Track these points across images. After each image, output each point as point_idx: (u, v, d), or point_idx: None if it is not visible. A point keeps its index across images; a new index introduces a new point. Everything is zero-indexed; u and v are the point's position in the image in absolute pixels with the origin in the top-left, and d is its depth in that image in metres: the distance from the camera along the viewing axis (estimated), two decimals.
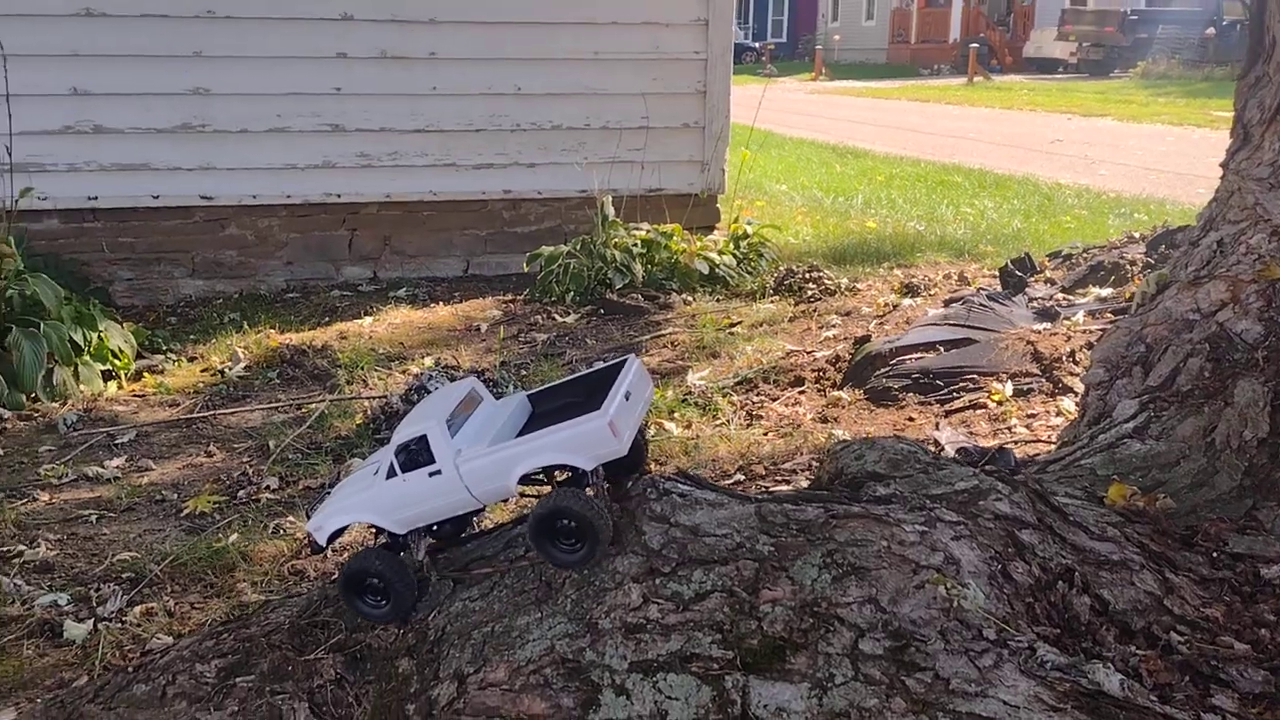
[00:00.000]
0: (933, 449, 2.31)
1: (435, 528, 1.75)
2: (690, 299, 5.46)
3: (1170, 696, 1.44)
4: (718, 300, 5.42)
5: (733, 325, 4.84)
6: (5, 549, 3.02)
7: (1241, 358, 2.19)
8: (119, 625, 2.57)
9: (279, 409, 4.38)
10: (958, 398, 3.40)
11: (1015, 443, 3.01)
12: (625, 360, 1.71)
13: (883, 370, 3.62)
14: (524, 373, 4.51)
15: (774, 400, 3.69)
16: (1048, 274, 4.71)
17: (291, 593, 2.14)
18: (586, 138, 6.36)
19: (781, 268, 5.74)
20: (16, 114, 5.31)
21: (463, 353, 4.95)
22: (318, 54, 6.06)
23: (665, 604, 1.54)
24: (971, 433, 3.17)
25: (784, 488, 2.88)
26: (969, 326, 3.78)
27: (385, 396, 4.27)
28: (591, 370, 1.78)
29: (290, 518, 3.24)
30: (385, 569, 1.67)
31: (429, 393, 4.07)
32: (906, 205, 8.49)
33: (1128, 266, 4.36)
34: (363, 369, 4.77)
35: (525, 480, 1.64)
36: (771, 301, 5.25)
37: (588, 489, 1.61)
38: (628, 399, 1.61)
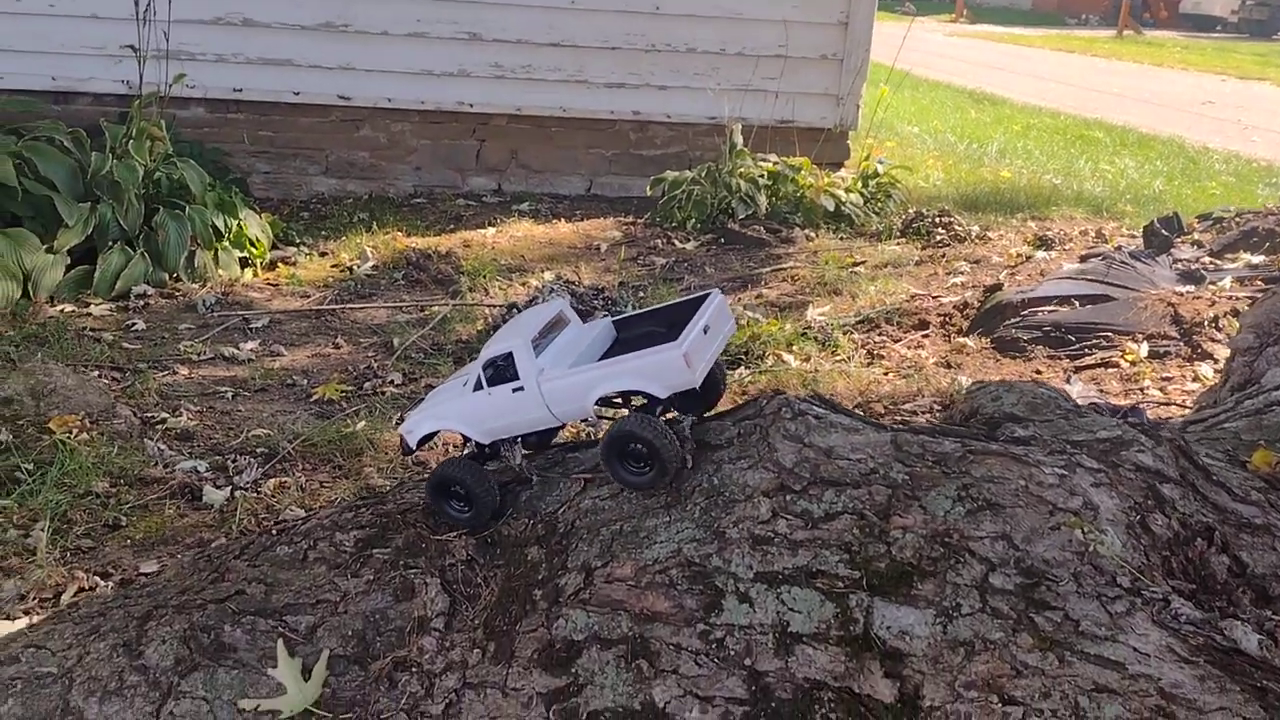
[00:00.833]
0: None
1: (520, 438, 1.79)
2: (813, 235, 5.39)
3: None
4: (841, 238, 5.35)
5: (856, 264, 4.77)
6: (150, 415, 3.19)
7: None
8: (254, 495, 2.70)
9: (403, 309, 4.50)
10: (1089, 354, 3.31)
11: (1147, 404, 2.93)
12: (709, 294, 1.72)
13: (1013, 320, 3.53)
14: (641, 294, 4.54)
15: (896, 342, 3.65)
16: (1195, 236, 4.51)
17: (423, 476, 2.22)
18: (721, 63, 6.27)
19: (910, 210, 5.62)
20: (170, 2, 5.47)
21: (582, 270, 5.00)
22: None
23: (794, 520, 1.55)
24: (1102, 390, 3.09)
25: None
26: (1107, 283, 3.66)
27: (506, 305, 4.35)
28: (676, 301, 1.79)
29: None
30: (468, 478, 1.73)
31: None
32: (1043, 157, 8.20)
33: None
34: (484, 277, 4.85)
35: (604, 403, 1.67)
36: (898, 243, 5.15)
37: (664, 417, 1.63)
38: (705, 332, 1.62)
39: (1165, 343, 3.32)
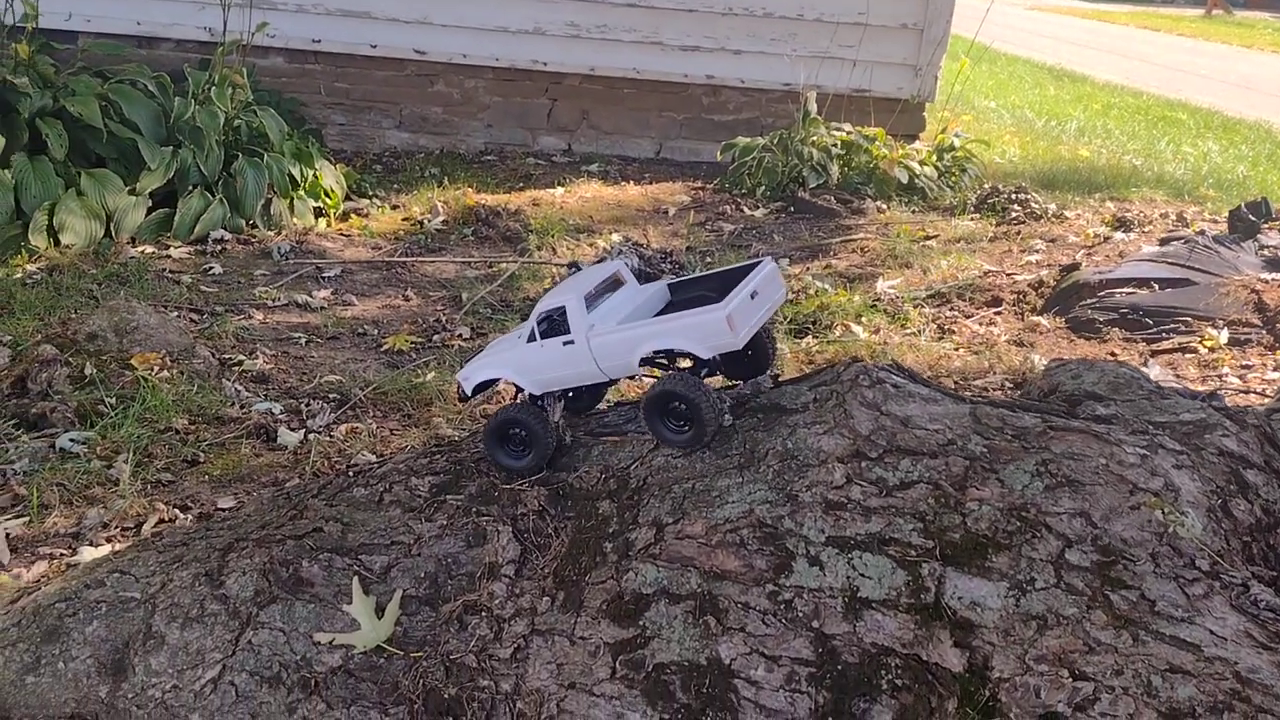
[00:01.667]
0: None
1: (571, 394, 1.84)
2: (885, 207, 5.33)
3: None
4: (914, 211, 5.28)
5: (928, 238, 4.71)
6: (227, 357, 3.27)
7: None
8: (326, 438, 2.76)
9: (471, 264, 4.53)
10: (1167, 338, 3.24)
11: (1226, 391, 2.87)
12: (760, 261, 1.75)
13: (1089, 301, 3.47)
14: (709, 259, 4.53)
15: (967, 318, 3.61)
16: None
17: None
18: (798, 29, 6.19)
19: (985, 186, 5.52)
20: None
21: (650, 233, 4.99)
22: None
23: (868, 487, 1.56)
24: (1178, 376, 3.03)
25: None
26: (1188, 267, 3.57)
27: (569, 264, 4.37)
28: (731, 267, 1.82)
29: None
30: (531, 421, 1.76)
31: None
32: (1123, 137, 8.00)
33: None
34: (552, 236, 4.87)
35: (650, 363, 1.70)
36: (971, 219, 5.07)
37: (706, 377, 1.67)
38: (753, 298, 1.65)
39: (1247, 330, 3.24)
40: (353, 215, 5.07)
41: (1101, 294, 3.51)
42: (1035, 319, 3.54)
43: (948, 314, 3.66)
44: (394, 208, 5.27)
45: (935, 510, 1.51)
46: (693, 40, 6.25)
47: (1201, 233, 4.12)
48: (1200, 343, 3.23)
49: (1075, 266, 3.83)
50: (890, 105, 6.18)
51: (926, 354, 3.26)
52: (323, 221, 4.94)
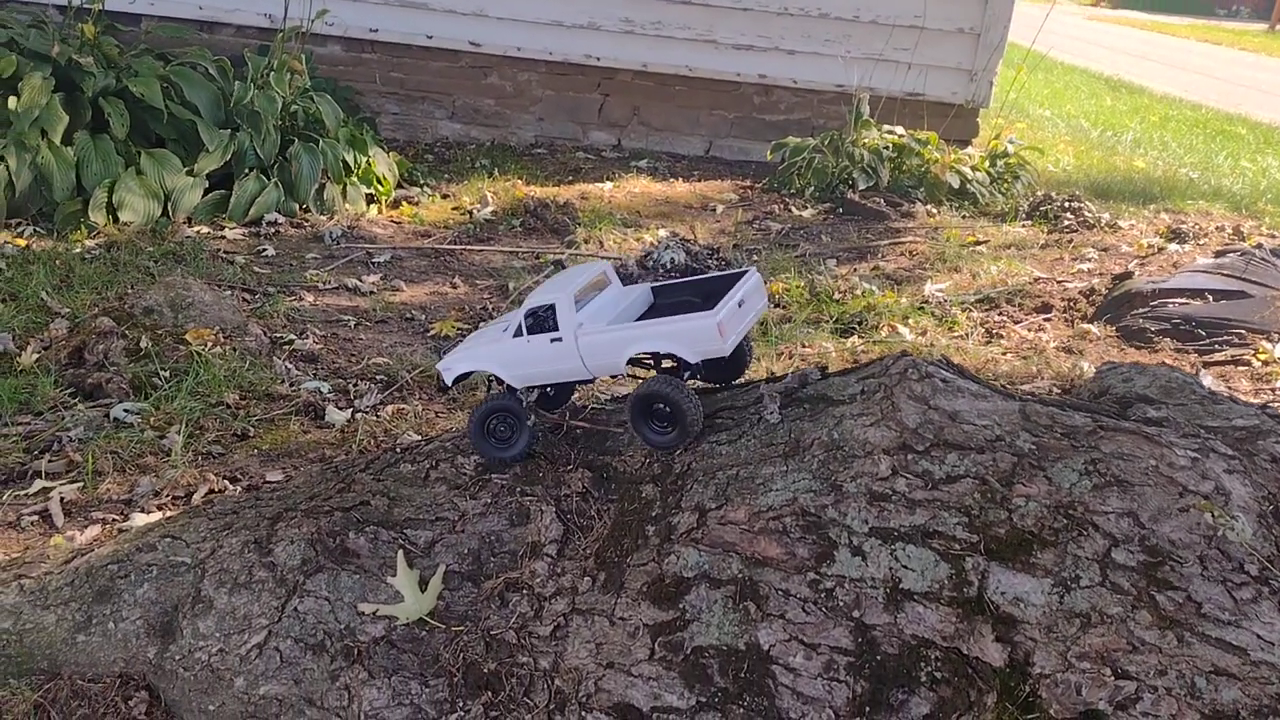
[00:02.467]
0: None
1: (549, 391, 1.88)
2: (935, 211, 5.29)
3: None
4: (964, 216, 5.24)
5: (978, 243, 4.68)
6: (278, 336, 3.32)
7: None
8: (373, 418, 2.80)
9: (519, 255, 4.56)
10: (1220, 350, 3.20)
11: (1278, 405, 2.82)
12: (746, 271, 1.79)
13: (1141, 310, 3.43)
14: (755, 258, 4.52)
15: (1016, 323, 3.58)
16: None
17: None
18: (853, 30, 6.17)
19: (1038, 193, 5.47)
20: None
21: (697, 229, 4.99)
22: None
23: (914, 479, 1.55)
24: (1231, 388, 2.98)
25: None
26: (1244, 279, 3.52)
27: (620, 259, 4.39)
28: (714, 275, 1.85)
29: None
30: (516, 409, 1.80)
31: (666, 258, 4.15)
32: (1180, 150, 7.88)
33: None
34: (600, 229, 4.89)
35: (634, 363, 1.75)
36: (1023, 226, 5.02)
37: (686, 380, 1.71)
38: (740, 306, 1.69)
39: None
40: (404, 203, 5.12)
41: (1154, 303, 3.46)
42: (1085, 327, 3.50)
43: (996, 319, 3.63)
44: (444, 197, 5.32)
45: (981, 505, 1.51)
46: (746, 39, 6.24)
47: (1259, 246, 4.06)
48: (1254, 355, 3.18)
49: (1128, 275, 3.79)
50: (944, 110, 6.14)
51: (974, 357, 3.23)
52: (374, 208, 5.00)
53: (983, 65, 6.11)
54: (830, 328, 3.52)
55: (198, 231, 4.35)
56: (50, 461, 2.46)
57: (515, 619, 1.67)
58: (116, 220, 4.24)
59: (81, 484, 2.37)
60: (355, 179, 4.96)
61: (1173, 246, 4.48)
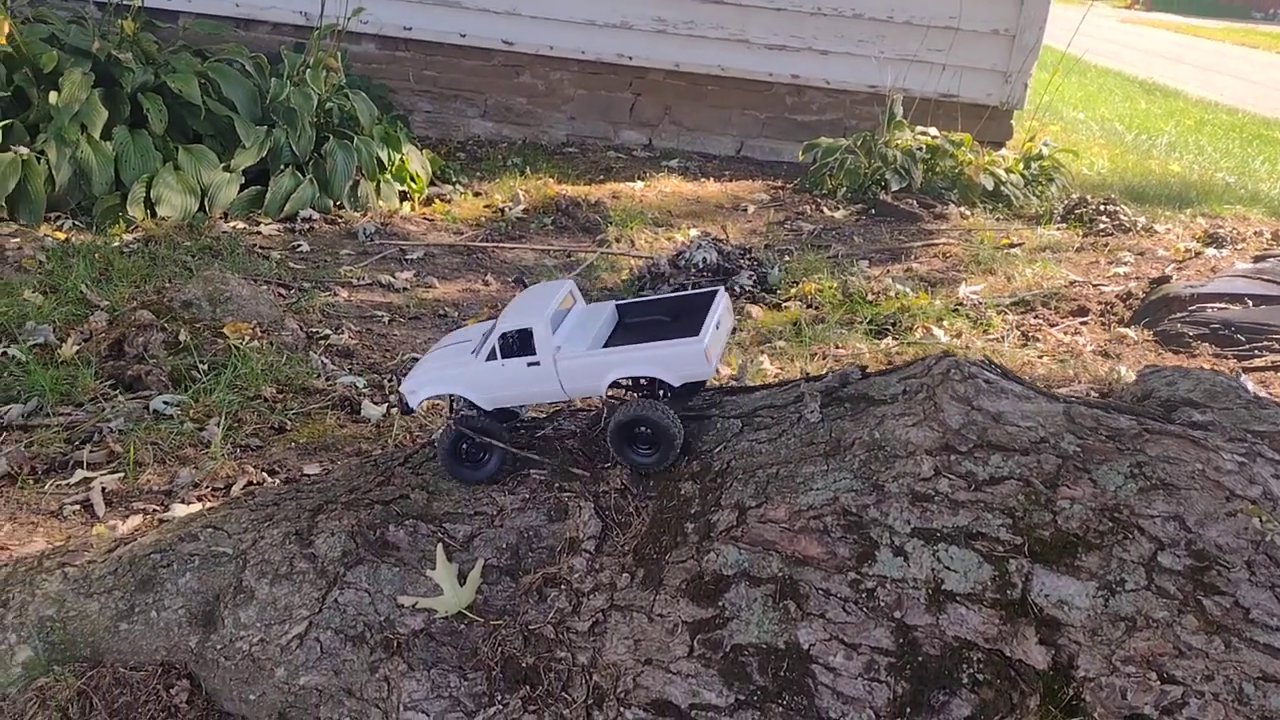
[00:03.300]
0: None
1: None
2: (968, 213, 5.26)
3: None
4: (998, 219, 5.20)
5: (1012, 246, 4.65)
6: (314, 331, 3.34)
7: None
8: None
9: (550, 253, 4.58)
10: (1259, 355, 3.16)
11: None
12: (715, 291, 1.77)
13: (1179, 315, 3.40)
14: (787, 258, 4.52)
15: (1052, 326, 3.55)
16: None
17: (577, 407, 2.28)
18: (887, 31, 6.14)
19: (1073, 196, 5.43)
20: None
21: (729, 229, 4.99)
22: None
23: (957, 480, 1.54)
24: (1271, 394, 2.95)
25: None
26: None
27: (652, 258, 4.39)
28: (680, 294, 1.84)
29: None
30: (492, 428, 1.78)
31: (698, 257, 4.15)
32: (1216, 154, 7.80)
33: None
34: (631, 228, 4.90)
35: (612, 385, 1.73)
36: (1058, 228, 4.99)
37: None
38: (718, 328, 1.69)
39: None
40: (436, 200, 5.15)
41: (1192, 308, 3.43)
42: (1122, 330, 3.47)
43: (1032, 322, 3.61)
44: (476, 195, 5.34)
45: (1025, 507, 1.50)
46: (779, 39, 6.23)
47: None
48: None
49: (1165, 279, 3.75)
50: (978, 111, 6.11)
51: (1010, 360, 3.21)
52: (407, 205, 5.03)
53: (1018, 67, 6.07)
54: (864, 329, 3.51)
55: (233, 227, 4.39)
56: (91, 452, 2.49)
57: (553, 614, 1.68)
58: (154, 215, 4.28)
59: (122, 474, 2.40)
60: (389, 176, 4.99)
61: (1210, 251, 4.43)
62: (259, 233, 4.39)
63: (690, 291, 1.85)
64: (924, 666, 1.45)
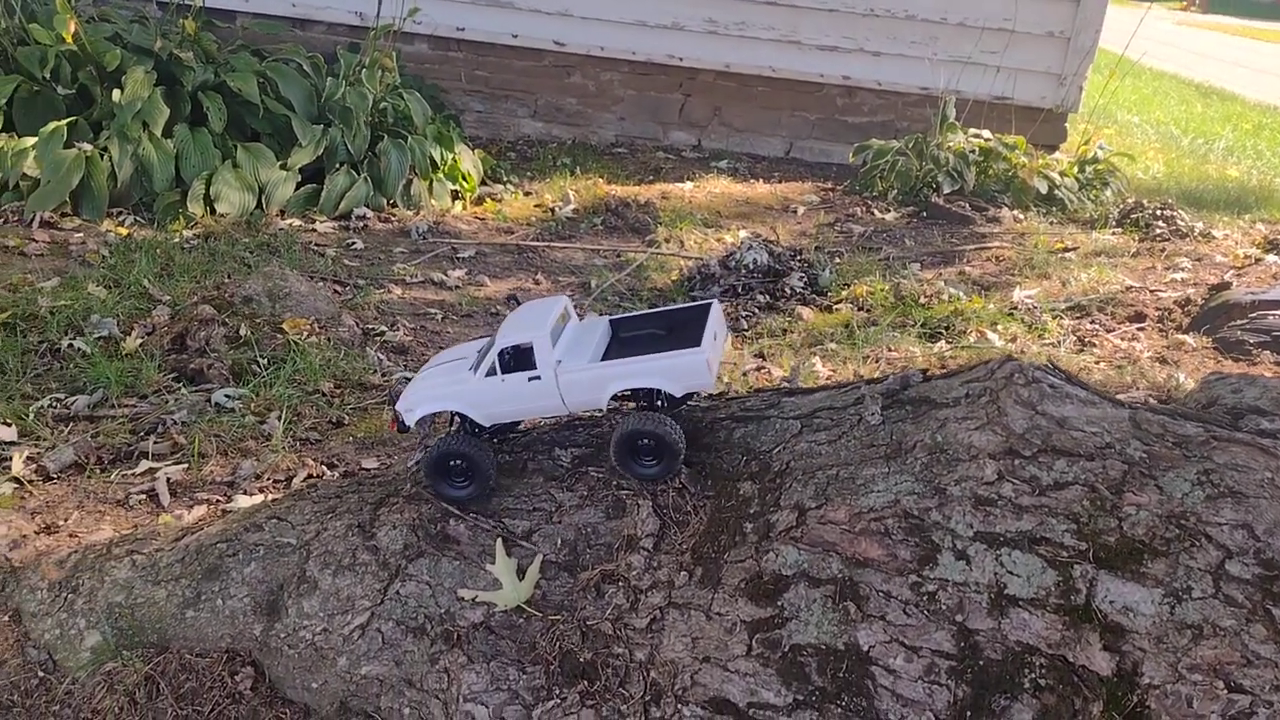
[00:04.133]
0: None
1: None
2: (1021, 216, 5.21)
3: None
4: (1051, 222, 5.15)
5: (1066, 250, 4.60)
6: (369, 327, 3.39)
7: None
8: None
9: (600, 252, 4.60)
10: None
11: None
12: (709, 304, 1.79)
13: (1239, 322, 3.35)
14: (838, 260, 4.50)
15: (1109, 332, 3.51)
16: None
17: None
18: (940, 32, 6.10)
19: (1128, 200, 5.36)
20: None
21: (778, 230, 4.98)
22: None
23: (1020, 485, 1.54)
24: None
25: None
26: None
27: (702, 259, 4.40)
28: (671, 307, 1.86)
29: None
30: (473, 453, 1.78)
31: (749, 258, 4.15)
32: (1276, 159, 7.66)
33: None
34: (680, 229, 4.90)
35: (612, 398, 1.74)
36: (1113, 233, 4.93)
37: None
38: (715, 339, 1.72)
39: None
40: (487, 199, 5.19)
41: (1253, 315, 3.37)
42: (1180, 337, 3.43)
43: (1088, 327, 3.57)
44: (526, 194, 5.38)
45: (1090, 513, 1.49)
46: (831, 40, 6.21)
47: None
48: None
49: (1225, 286, 3.70)
50: (1032, 114, 6.05)
51: (1066, 365, 3.18)
52: (459, 204, 5.08)
53: (1073, 69, 6.01)
54: (916, 332, 3.49)
55: (289, 224, 4.45)
56: (156, 443, 2.55)
57: (611, 610, 1.69)
58: (213, 211, 4.36)
59: (186, 465, 2.45)
60: (441, 175, 5.04)
61: (1271, 258, 4.36)
62: (314, 230, 4.45)
63: (683, 305, 1.87)
64: (985, 671, 1.45)
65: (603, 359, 1.78)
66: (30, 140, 4.23)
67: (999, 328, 3.52)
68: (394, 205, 4.84)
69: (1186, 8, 25.75)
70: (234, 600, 1.84)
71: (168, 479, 2.38)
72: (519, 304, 1.92)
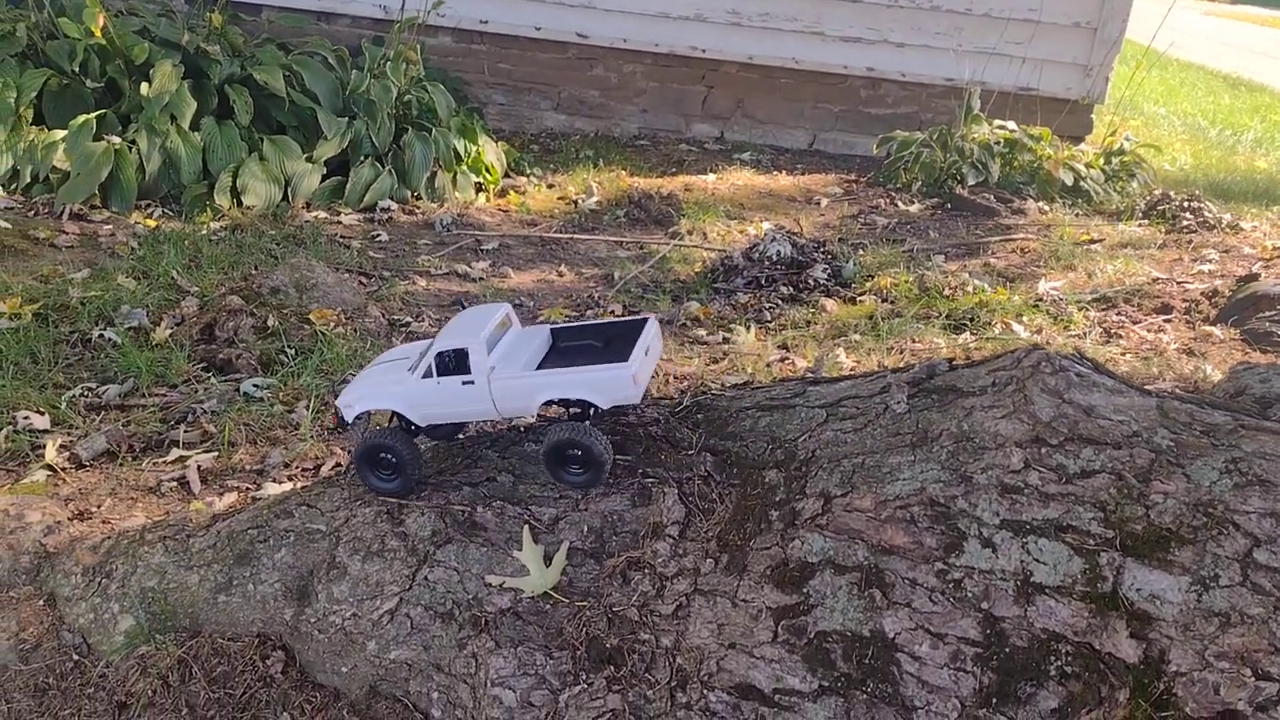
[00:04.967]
0: None
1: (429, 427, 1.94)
2: (1047, 208, 5.18)
3: None
4: (1077, 214, 5.12)
5: (1092, 241, 4.57)
6: (395, 318, 3.41)
7: None
8: None
9: (624, 244, 4.61)
10: None
11: None
12: (645, 320, 1.84)
13: (1268, 313, 3.32)
14: (861, 252, 4.49)
15: (1135, 323, 3.49)
16: None
17: (660, 397, 2.30)
18: (965, 23, 6.07)
19: (1155, 192, 5.32)
20: None
21: (802, 222, 4.98)
22: None
23: (1047, 473, 1.54)
24: None
25: None
26: None
27: (725, 251, 4.40)
28: (610, 321, 1.91)
29: None
30: (401, 449, 1.84)
31: (772, 250, 4.15)
32: None
33: None
34: (703, 221, 4.90)
35: (543, 405, 1.79)
36: (1139, 225, 4.89)
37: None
38: (646, 355, 1.76)
39: None
40: (510, 192, 5.21)
41: None
42: (1208, 329, 3.40)
43: (1114, 319, 3.55)
44: (550, 186, 5.39)
45: (1117, 501, 1.49)
46: (854, 31, 6.19)
47: None
48: None
49: (1254, 277, 3.67)
50: (1058, 105, 6.01)
51: (1092, 357, 3.17)
52: (482, 196, 5.09)
53: (1099, 60, 5.96)
54: (941, 324, 3.48)
55: (315, 216, 4.48)
56: (186, 431, 2.58)
57: (637, 597, 1.71)
58: (240, 204, 4.39)
59: (216, 453, 2.48)
60: (465, 168, 5.06)
61: None
62: (340, 222, 4.48)
63: (622, 319, 1.91)
64: (1011, 658, 1.45)
65: (539, 368, 1.83)
66: (60, 133, 4.28)
67: (1024, 319, 3.51)
68: (418, 197, 4.86)
69: None
70: (265, 585, 1.86)
71: (198, 467, 2.41)
72: (464, 308, 1.96)
